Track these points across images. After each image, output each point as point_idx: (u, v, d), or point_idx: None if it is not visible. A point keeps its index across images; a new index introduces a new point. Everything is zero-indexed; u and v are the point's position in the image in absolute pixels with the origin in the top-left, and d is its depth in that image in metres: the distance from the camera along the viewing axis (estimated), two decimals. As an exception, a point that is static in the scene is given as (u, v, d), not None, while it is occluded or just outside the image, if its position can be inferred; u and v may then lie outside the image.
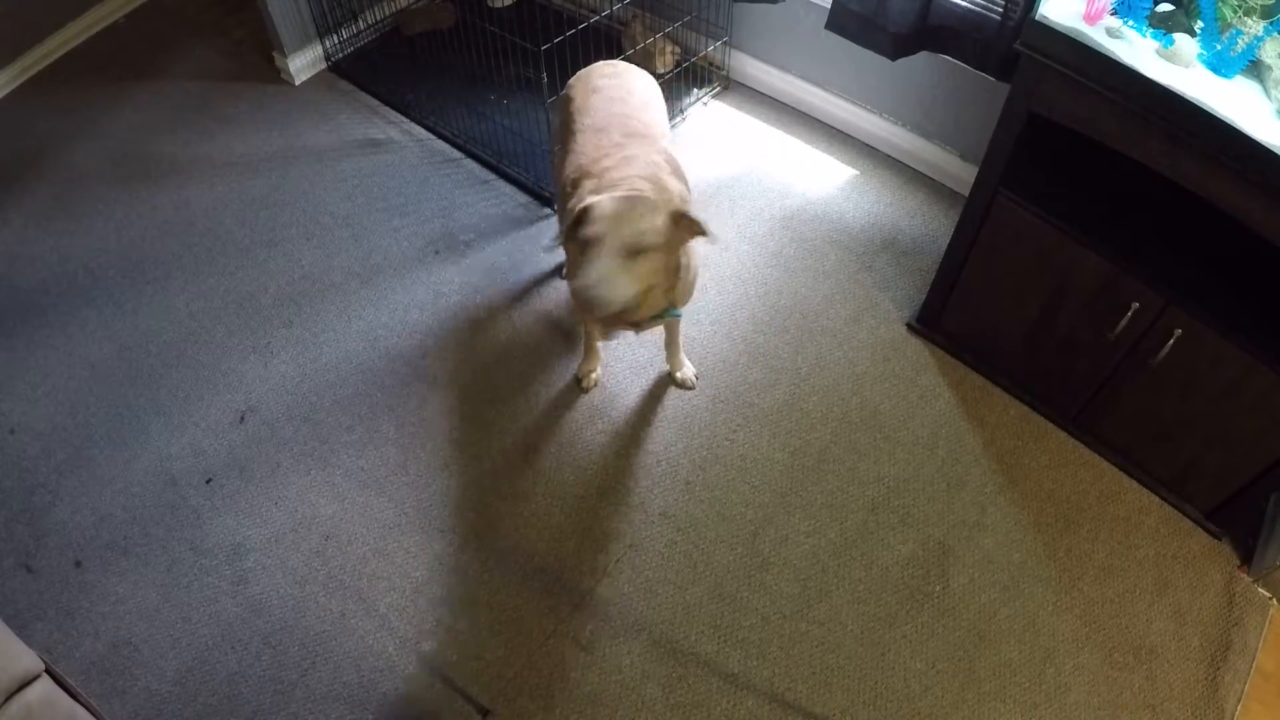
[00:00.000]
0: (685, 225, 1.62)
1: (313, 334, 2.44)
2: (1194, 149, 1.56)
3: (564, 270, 1.70)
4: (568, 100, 2.04)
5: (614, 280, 1.51)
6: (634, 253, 1.54)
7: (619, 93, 1.99)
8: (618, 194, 1.57)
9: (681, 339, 2.25)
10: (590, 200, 1.56)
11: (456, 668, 1.85)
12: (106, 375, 2.37)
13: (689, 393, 2.29)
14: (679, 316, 1.81)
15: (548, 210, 2.73)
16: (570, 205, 1.70)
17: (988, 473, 2.14)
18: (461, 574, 1.99)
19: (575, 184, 1.78)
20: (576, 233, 1.56)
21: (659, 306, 1.72)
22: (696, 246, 1.79)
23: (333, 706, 1.81)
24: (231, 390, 2.32)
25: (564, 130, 2.00)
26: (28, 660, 1.50)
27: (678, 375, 2.28)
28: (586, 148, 1.85)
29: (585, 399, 2.28)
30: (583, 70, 2.10)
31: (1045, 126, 1.78)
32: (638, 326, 1.79)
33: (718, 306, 2.46)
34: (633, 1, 2.99)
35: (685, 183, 1.85)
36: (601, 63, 2.11)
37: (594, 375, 2.27)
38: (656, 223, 1.55)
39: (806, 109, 2.97)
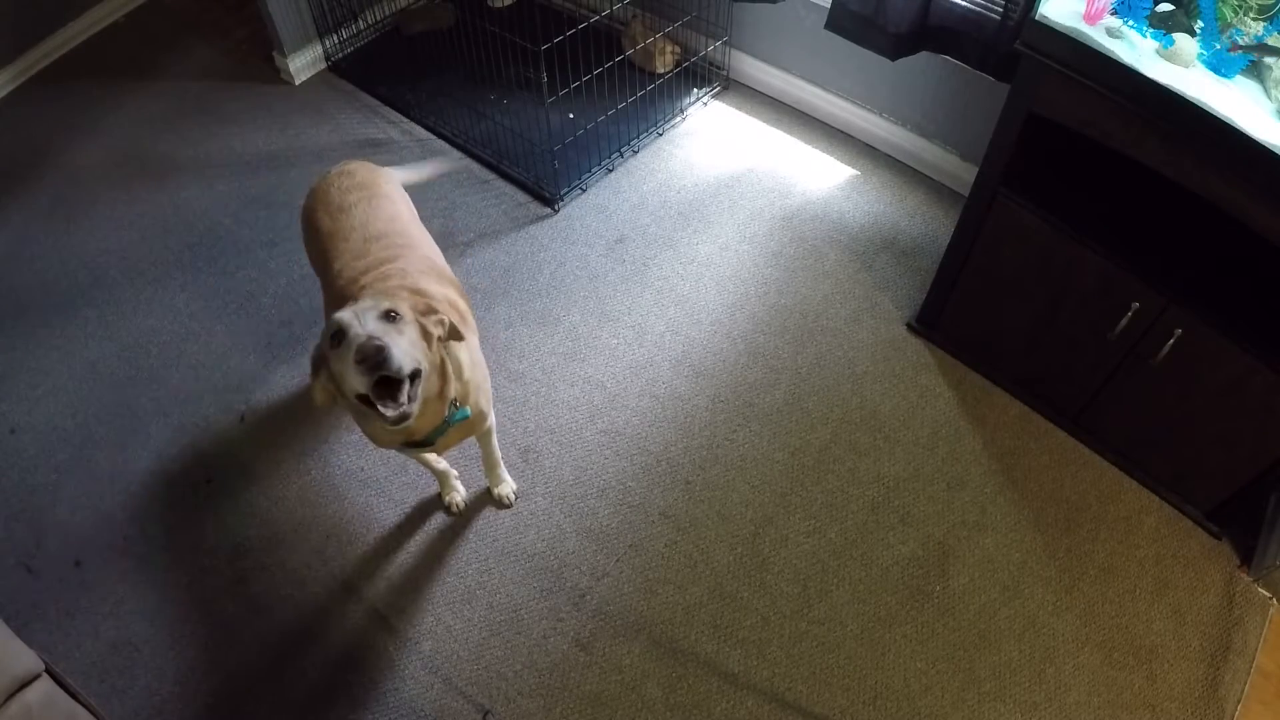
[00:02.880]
0: (432, 320, 1.46)
1: (313, 334, 2.44)
2: (1194, 149, 1.56)
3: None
4: (316, 229, 1.84)
5: (385, 334, 1.33)
6: (386, 315, 1.37)
7: (366, 205, 1.83)
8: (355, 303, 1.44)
9: (498, 451, 2.01)
10: (334, 315, 1.40)
11: (456, 668, 1.85)
12: (106, 375, 2.37)
13: (689, 393, 2.29)
14: (468, 416, 1.58)
15: (548, 210, 2.74)
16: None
17: (988, 473, 2.14)
18: (461, 574, 1.99)
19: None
20: (330, 357, 1.38)
21: (439, 416, 1.51)
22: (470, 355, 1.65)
23: (333, 706, 1.81)
24: (231, 390, 2.32)
25: (319, 260, 1.83)
26: (28, 660, 1.49)
27: (494, 491, 2.09)
28: (344, 275, 1.70)
29: (585, 398, 2.28)
30: (315, 188, 1.91)
31: (1045, 126, 1.78)
32: (434, 446, 1.62)
33: (718, 306, 2.47)
34: (633, 1, 2.99)
35: (453, 284, 1.78)
36: (333, 175, 1.91)
37: (456, 498, 2.07)
38: (402, 305, 1.41)
39: (806, 109, 2.97)
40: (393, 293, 1.57)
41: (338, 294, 1.68)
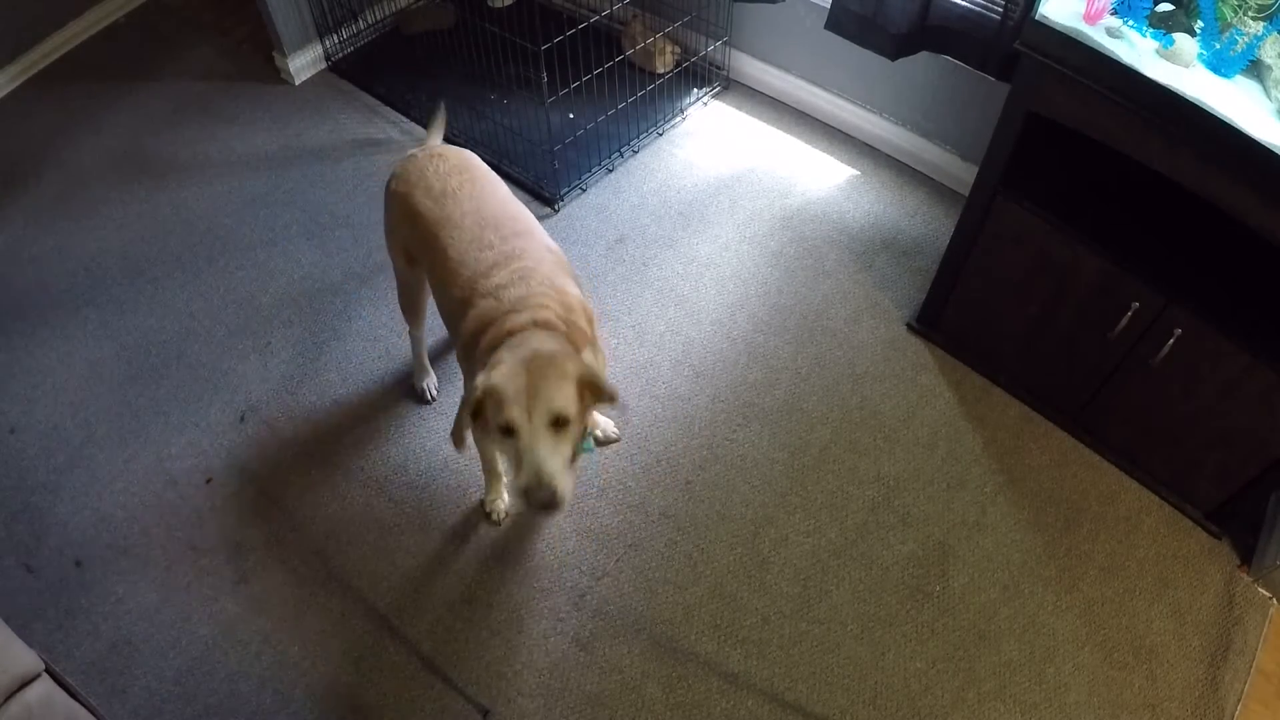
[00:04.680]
0: (595, 392, 1.46)
1: (313, 334, 2.44)
2: (1194, 149, 1.56)
3: (454, 431, 1.48)
4: (414, 214, 1.76)
5: (560, 465, 1.37)
6: (556, 423, 1.38)
7: (471, 188, 1.76)
8: (520, 355, 1.41)
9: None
10: (493, 378, 1.38)
11: (456, 668, 1.85)
12: (106, 375, 2.37)
13: (689, 393, 2.29)
14: (592, 451, 1.62)
15: (548, 210, 2.73)
16: (471, 349, 1.56)
17: (988, 473, 2.14)
18: (461, 574, 1.99)
19: (465, 307, 1.59)
20: (486, 416, 1.41)
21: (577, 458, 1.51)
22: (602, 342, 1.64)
23: (333, 707, 1.81)
24: (231, 390, 2.32)
25: (423, 248, 1.75)
26: (28, 660, 1.49)
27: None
28: (467, 265, 1.63)
29: (585, 399, 2.27)
30: (405, 171, 1.83)
31: (1045, 126, 1.78)
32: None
33: (718, 306, 2.46)
34: (633, 1, 2.99)
35: (575, 278, 1.73)
36: (423, 157, 1.83)
37: (501, 506, 2.04)
38: (571, 392, 1.40)
39: (806, 109, 2.97)
40: (549, 323, 1.49)
41: (462, 287, 1.61)
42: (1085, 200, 1.92)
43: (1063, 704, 1.80)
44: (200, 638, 1.90)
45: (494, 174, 1.88)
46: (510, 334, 1.49)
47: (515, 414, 1.35)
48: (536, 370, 1.38)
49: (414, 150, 1.90)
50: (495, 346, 1.48)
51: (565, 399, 1.38)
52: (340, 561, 2.01)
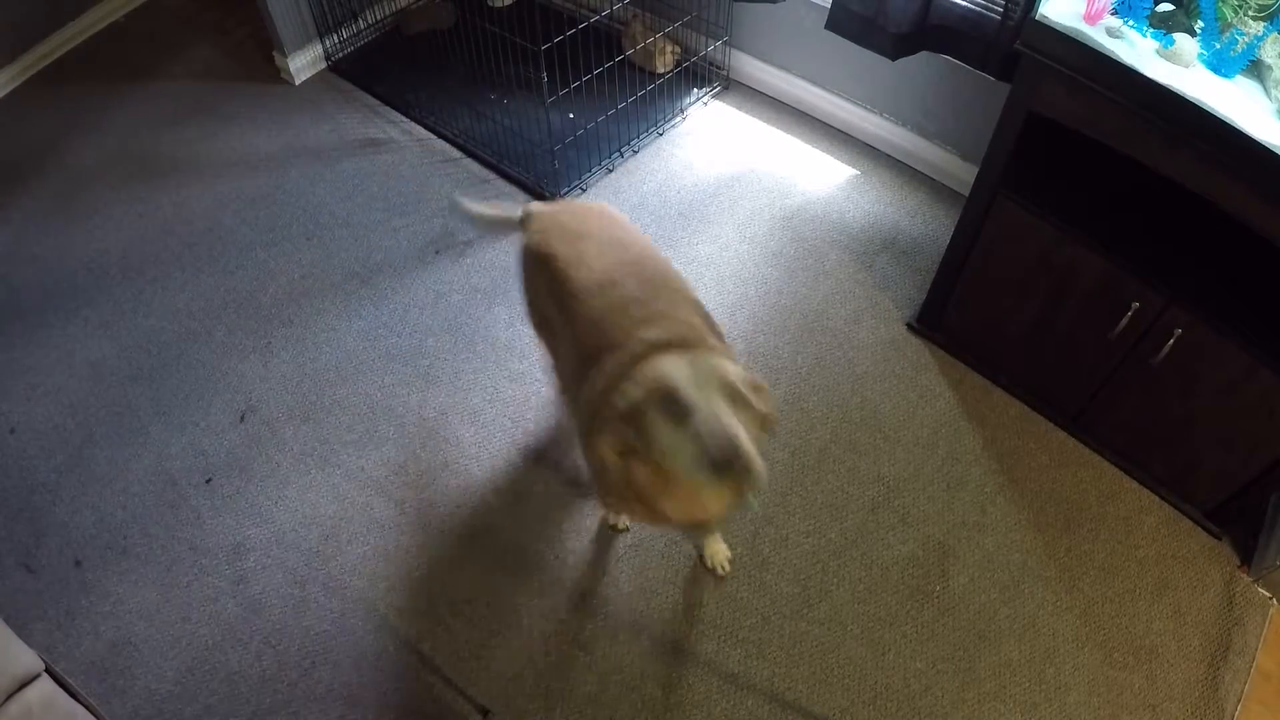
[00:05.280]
0: (760, 395, 1.29)
1: (313, 334, 2.44)
2: (1194, 149, 1.56)
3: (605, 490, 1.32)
4: (547, 257, 1.60)
5: (738, 428, 1.16)
6: (736, 400, 1.21)
7: (610, 234, 1.61)
8: (681, 353, 1.27)
9: None
10: (662, 367, 1.22)
11: (456, 668, 1.85)
12: (106, 375, 2.37)
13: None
14: (754, 510, 1.42)
15: (548, 210, 2.73)
16: (598, 385, 1.38)
17: (988, 473, 2.14)
18: (461, 574, 1.99)
19: (593, 359, 1.41)
20: (638, 414, 1.23)
21: (731, 504, 1.35)
22: None
23: (333, 706, 1.81)
24: (231, 390, 2.32)
25: (552, 294, 1.59)
26: (28, 660, 1.50)
27: (707, 552, 1.93)
28: (596, 311, 1.46)
29: (585, 399, 2.28)
30: (539, 213, 1.72)
31: (1045, 126, 1.78)
32: (705, 529, 1.46)
33: (718, 306, 2.46)
34: (633, 1, 2.99)
35: (720, 335, 1.53)
36: (560, 205, 1.75)
37: (625, 521, 1.90)
38: (740, 372, 1.24)
39: (806, 109, 2.97)
40: (713, 348, 1.33)
41: (592, 322, 1.46)
42: (1085, 200, 1.92)
43: (1063, 704, 1.80)
44: (200, 638, 1.90)
45: (636, 229, 1.72)
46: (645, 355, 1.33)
47: (690, 391, 1.19)
48: (700, 355, 1.26)
49: (539, 206, 1.79)
50: (626, 369, 1.32)
51: (736, 376, 1.22)
52: (340, 561, 2.01)
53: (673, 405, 1.18)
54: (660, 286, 1.51)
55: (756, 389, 1.28)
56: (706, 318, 1.54)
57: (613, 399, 1.29)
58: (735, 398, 1.21)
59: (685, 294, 1.54)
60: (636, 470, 1.30)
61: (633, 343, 1.38)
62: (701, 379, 1.20)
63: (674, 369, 1.22)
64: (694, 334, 1.41)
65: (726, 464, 1.15)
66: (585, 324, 1.47)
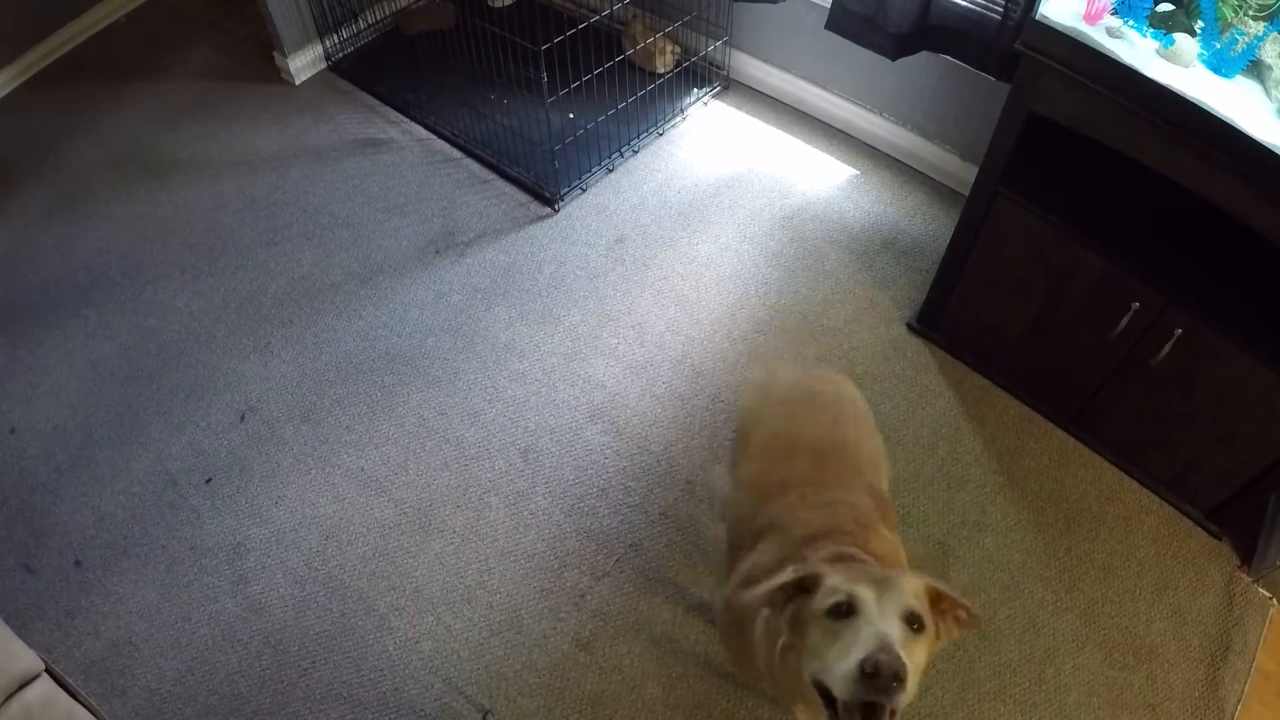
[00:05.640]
0: (947, 606, 1.15)
1: (313, 334, 2.44)
2: (1194, 149, 1.56)
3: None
4: (742, 409, 1.65)
5: (904, 650, 1.00)
6: (909, 621, 1.06)
7: (811, 403, 1.59)
8: (868, 568, 1.18)
9: None
10: (855, 587, 1.09)
11: (456, 668, 1.85)
12: (106, 375, 2.37)
13: (689, 393, 2.29)
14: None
15: (547, 210, 2.74)
16: (757, 560, 1.33)
17: (988, 473, 2.14)
18: (461, 574, 1.99)
19: (754, 530, 1.39)
20: (814, 619, 1.10)
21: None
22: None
23: (333, 706, 1.81)
24: (231, 390, 2.32)
25: (737, 453, 1.61)
26: (28, 660, 1.50)
27: None
28: (761, 479, 1.45)
29: (586, 398, 2.28)
30: (769, 372, 1.72)
31: (1045, 126, 1.78)
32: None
33: (718, 306, 2.46)
34: (633, 1, 2.99)
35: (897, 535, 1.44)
36: (798, 376, 1.72)
37: None
38: (918, 588, 1.11)
39: (806, 109, 2.97)
40: (896, 574, 1.16)
41: (750, 493, 1.45)
42: (1085, 200, 1.92)
43: (1063, 704, 1.80)
44: (200, 638, 1.90)
45: (854, 404, 1.66)
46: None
47: (861, 590, 1.07)
48: (884, 574, 1.14)
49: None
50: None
51: (918, 596, 1.10)
52: (340, 561, 2.01)
53: (841, 605, 1.07)
54: (841, 466, 1.48)
55: (945, 605, 1.15)
56: (883, 502, 1.47)
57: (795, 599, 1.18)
58: (912, 620, 1.08)
59: (862, 478, 1.48)
60: (771, 650, 1.22)
61: (789, 528, 1.34)
62: (886, 592, 1.08)
63: (863, 582, 1.10)
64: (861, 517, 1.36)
65: (883, 685, 0.99)
66: (746, 488, 1.48)
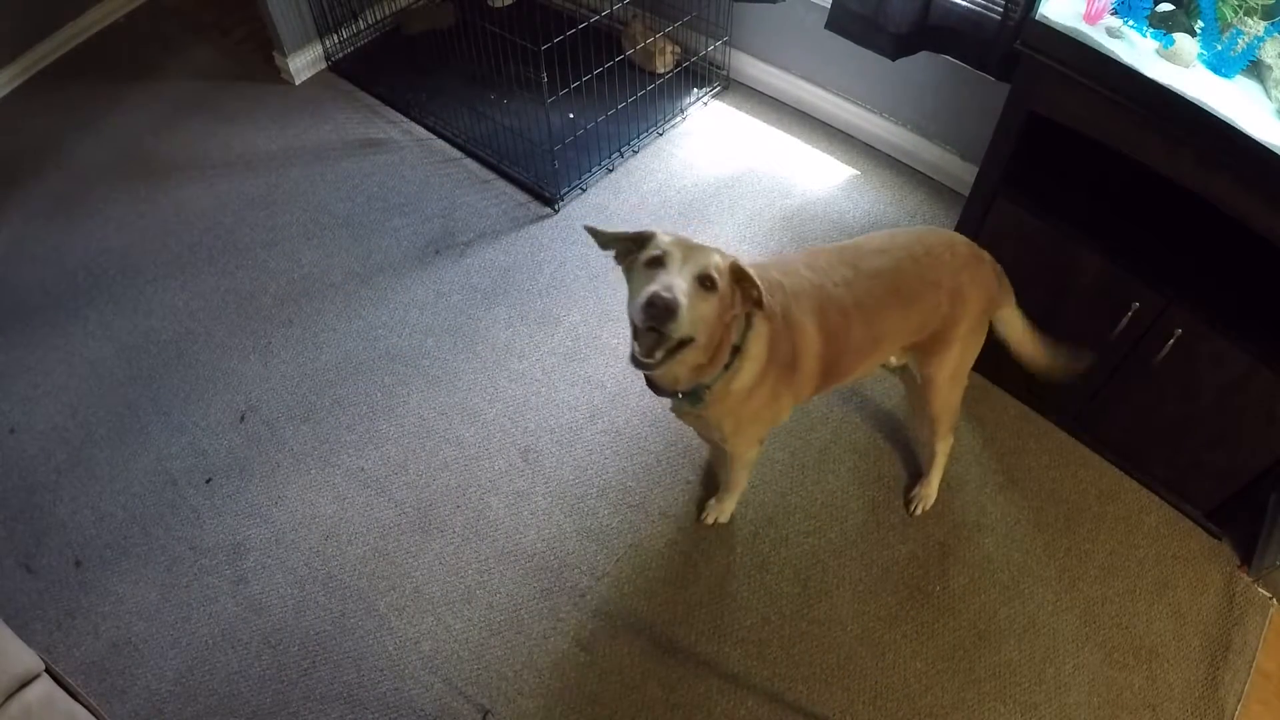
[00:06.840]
0: (748, 286, 1.44)
1: (313, 334, 2.44)
2: (1194, 149, 1.56)
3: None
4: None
5: (687, 297, 1.34)
6: (700, 280, 1.37)
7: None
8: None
9: (734, 479, 1.94)
10: (668, 243, 1.42)
11: (456, 668, 1.85)
12: (106, 375, 2.37)
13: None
14: (695, 407, 1.56)
15: (548, 210, 2.74)
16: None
17: (988, 473, 2.14)
18: (461, 574, 1.99)
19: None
20: (638, 252, 1.44)
21: (682, 379, 1.51)
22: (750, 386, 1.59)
23: (333, 706, 1.81)
24: (231, 390, 2.32)
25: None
26: (28, 660, 1.50)
27: (706, 508, 2.06)
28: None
29: (586, 398, 2.28)
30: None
31: (1045, 126, 1.78)
32: (668, 393, 1.59)
33: (718, 306, 2.46)
34: (633, 1, 2.99)
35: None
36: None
37: (714, 511, 2.06)
38: (719, 261, 1.41)
39: (806, 109, 2.97)
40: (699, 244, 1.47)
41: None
42: (1085, 200, 1.92)
43: (1063, 704, 1.80)
44: (200, 638, 1.90)
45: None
46: None
47: (672, 249, 1.38)
48: (693, 245, 1.43)
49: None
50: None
51: (719, 269, 1.39)
52: (340, 561, 2.01)
53: (656, 256, 1.38)
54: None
55: (743, 279, 1.44)
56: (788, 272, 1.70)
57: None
58: (705, 280, 1.37)
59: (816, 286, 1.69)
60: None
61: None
62: (692, 253, 1.39)
63: (674, 242, 1.41)
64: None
65: (656, 316, 1.31)
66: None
